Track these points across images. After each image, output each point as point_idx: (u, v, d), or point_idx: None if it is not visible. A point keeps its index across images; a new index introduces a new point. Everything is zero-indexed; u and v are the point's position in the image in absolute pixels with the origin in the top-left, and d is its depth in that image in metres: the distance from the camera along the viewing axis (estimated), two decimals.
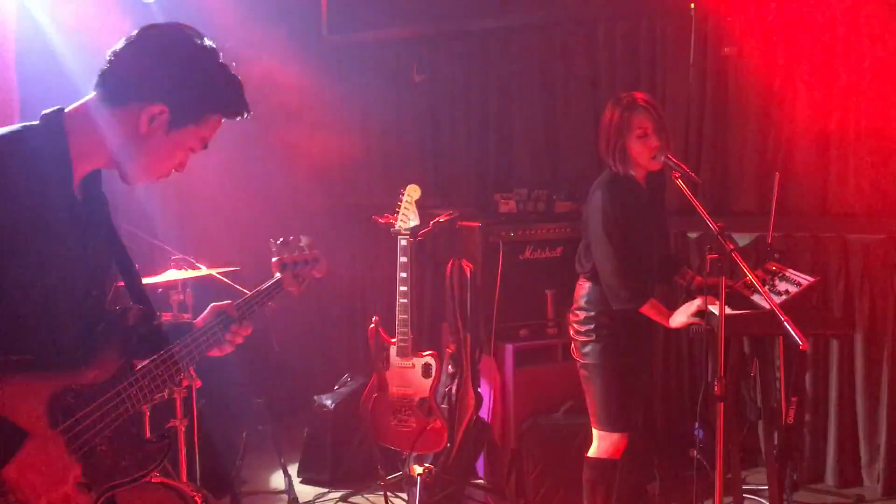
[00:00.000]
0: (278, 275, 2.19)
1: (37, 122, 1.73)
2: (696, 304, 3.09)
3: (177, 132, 1.77)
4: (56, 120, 1.73)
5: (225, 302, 2.06)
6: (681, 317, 3.13)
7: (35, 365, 1.65)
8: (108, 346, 1.79)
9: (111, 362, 1.78)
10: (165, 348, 1.87)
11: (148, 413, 3.62)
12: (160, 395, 1.89)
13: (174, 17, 5.04)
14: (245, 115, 1.90)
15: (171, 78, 1.74)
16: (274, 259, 2.22)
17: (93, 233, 1.82)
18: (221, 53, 1.83)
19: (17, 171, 1.63)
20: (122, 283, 1.96)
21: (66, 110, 1.75)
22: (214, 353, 2.05)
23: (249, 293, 2.13)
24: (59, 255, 1.70)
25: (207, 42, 1.81)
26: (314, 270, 2.29)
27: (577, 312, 3.36)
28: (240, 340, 2.07)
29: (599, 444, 3.33)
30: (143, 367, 1.82)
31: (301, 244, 2.27)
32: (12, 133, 1.70)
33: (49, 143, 1.70)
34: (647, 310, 3.18)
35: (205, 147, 1.85)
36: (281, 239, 2.26)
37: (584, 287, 3.36)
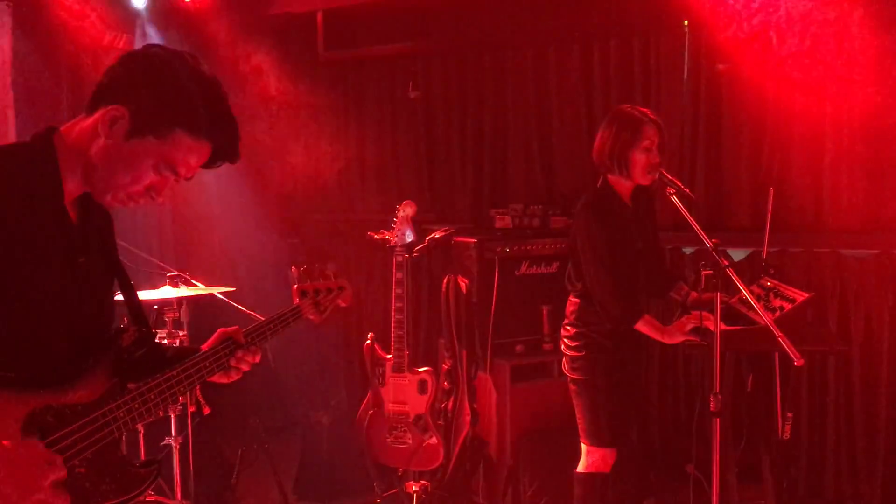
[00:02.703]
0: (297, 302, 2.16)
1: (28, 141, 1.72)
2: (691, 321, 3.10)
3: (136, 142, 1.66)
4: (47, 138, 1.71)
5: (232, 327, 2.01)
6: (676, 334, 3.15)
7: (14, 382, 1.62)
8: (98, 365, 1.76)
9: (100, 382, 1.74)
10: (162, 372, 1.83)
11: (143, 431, 3.61)
12: (151, 418, 1.83)
13: (170, 34, 5.10)
14: (225, 154, 1.78)
15: (139, 82, 1.67)
16: (294, 286, 2.19)
17: (87, 252, 1.79)
18: (216, 78, 1.75)
19: (1, 186, 1.62)
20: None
21: (61, 129, 1.74)
22: (220, 379, 2.00)
23: (263, 319, 2.10)
24: (44, 272, 1.68)
25: (204, 69, 1.74)
26: (339, 299, 2.26)
27: (568, 328, 3.39)
28: (246, 368, 2.02)
29: (587, 458, 3.34)
30: (136, 389, 1.77)
31: (326, 272, 2.25)
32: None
33: (38, 160, 1.68)
34: (642, 326, 3.19)
35: (174, 173, 1.72)
36: (304, 266, 2.23)
37: (573, 303, 3.39)
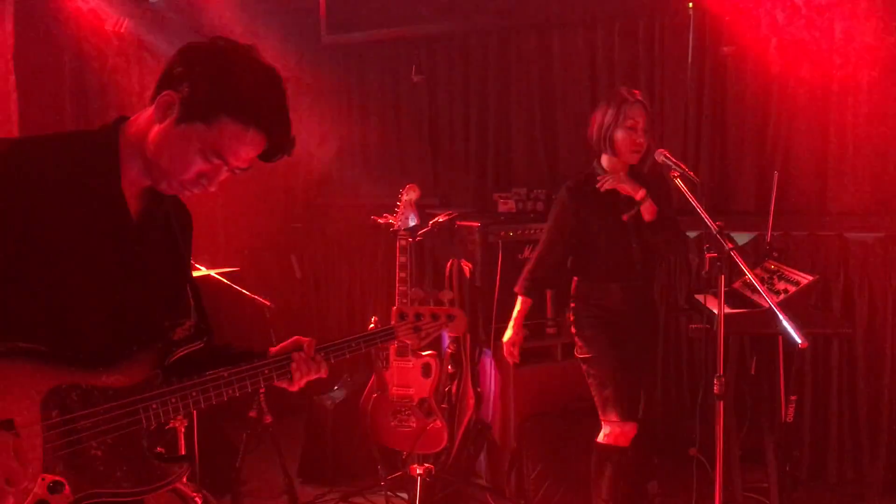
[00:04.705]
0: (392, 324, 2.08)
1: (96, 129, 1.76)
2: (516, 342, 3.47)
3: (185, 127, 1.67)
4: (113, 127, 1.75)
5: (307, 338, 1.95)
6: (510, 336, 3.49)
7: (45, 356, 1.64)
8: (142, 354, 1.75)
9: (140, 371, 1.74)
10: (211, 370, 1.80)
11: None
12: (189, 413, 1.75)
13: (172, 17, 5.07)
14: (277, 146, 1.75)
15: (191, 69, 1.68)
16: (394, 307, 2.12)
17: (144, 242, 1.79)
18: (272, 70, 1.74)
19: (51, 171, 1.65)
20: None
21: (129, 119, 1.77)
22: (287, 386, 1.94)
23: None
24: (89, 254, 1.69)
25: (258, 57, 1.73)
26: (445, 327, 2.13)
27: (571, 304, 3.51)
28: (306, 377, 1.92)
29: (603, 430, 3.40)
30: (178, 383, 1.76)
31: (440, 297, 2.20)
32: (57, 136, 1.74)
33: (99, 147, 1.72)
34: (518, 305, 3.50)
35: (223, 161, 1.71)
36: (414, 288, 2.19)
37: (573, 282, 3.52)
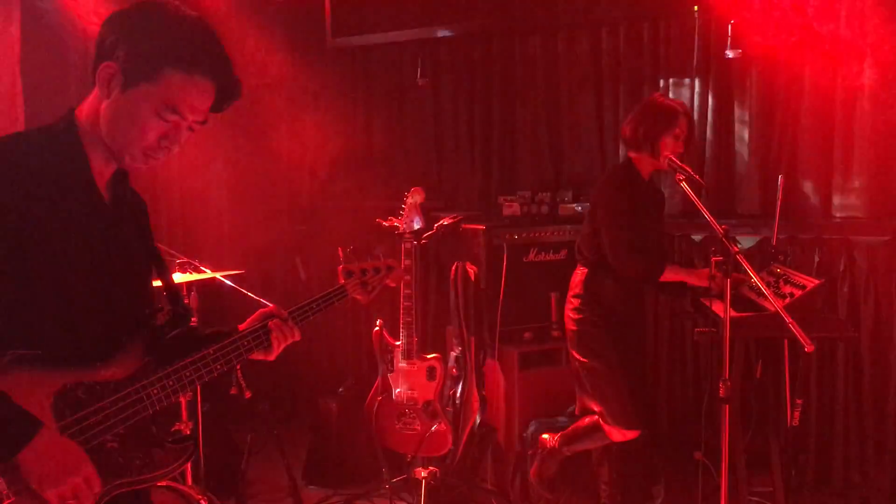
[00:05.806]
0: (342, 282, 2.16)
1: (50, 124, 1.75)
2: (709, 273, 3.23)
3: (131, 92, 1.66)
4: (68, 117, 1.74)
5: (271, 306, 2.02)
6: (704, 277, 3.26)
7: (45, 360, 1.64)
8: (132, 344, 1.77)
9: (133, 360, 1.76)
10: (198, 350, 1.84)
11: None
12: (187, 395, 1.81)
13: None
14: (226, 89, 1.75)
15: (121, 35, 1.67)
16: (340, 266, 2.20)
17: (121, 231, 1.80)
18: (202, 17, 1.72)
19: (26, 170, 1.64)
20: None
21: (76, 108, 1.76)
22: (259, 356, 1.99)
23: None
24: (75, 249, 1.69)
25: (183, 7, 1.72)
26: (387, 279, 2.25)
27: (573, 300, 3.51)
28: (282, 344, 1.99)
29: (606, 426, 3.46)
30: (170, 367, 1.79)
31: (375, 252, 2.25)
32: (20, 135, 1.73)
33: (62, 139, 1.71)
34: (669, 275, 3.33)
35: (179, 116, 1.69)
36: (351, 247, 2.24)
37: (581, 273, 3.52)
